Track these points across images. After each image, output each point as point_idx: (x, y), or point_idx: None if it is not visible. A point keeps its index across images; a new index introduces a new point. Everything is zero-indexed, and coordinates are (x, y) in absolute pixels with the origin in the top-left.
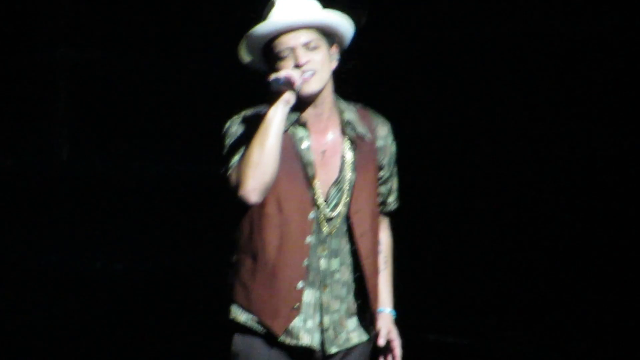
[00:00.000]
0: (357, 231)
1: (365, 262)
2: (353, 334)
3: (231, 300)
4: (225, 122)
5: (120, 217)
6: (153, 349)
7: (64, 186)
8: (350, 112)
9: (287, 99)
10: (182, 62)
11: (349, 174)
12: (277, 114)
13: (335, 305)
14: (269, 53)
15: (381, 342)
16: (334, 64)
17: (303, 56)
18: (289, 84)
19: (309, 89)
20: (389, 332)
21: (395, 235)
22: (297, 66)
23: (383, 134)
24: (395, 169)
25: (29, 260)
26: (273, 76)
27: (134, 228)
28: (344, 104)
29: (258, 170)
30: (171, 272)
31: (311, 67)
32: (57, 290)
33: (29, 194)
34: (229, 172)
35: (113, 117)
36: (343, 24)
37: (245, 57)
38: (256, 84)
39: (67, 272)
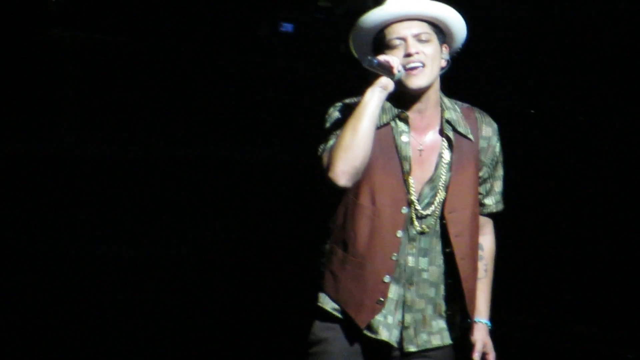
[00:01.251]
0: (452, 231)
1: (461, 264)
2: (435, 335)
3: (319, 288)
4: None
5: (123, 202)
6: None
7: (70, 171)
8: (453, 112)
9: (385, 84)
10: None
11: (444, 173)
12: (373, 99)
13: (420, 304)
14: (379, 43)
15: (476, 356)
16: (443, 63)
17: (414, 46)
18: (386, 69)
19: (416, 83)
20: (484, 346)
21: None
22: (408, 55)
23: (487, 135)
24: (499, 172)
25: (36, 245)
26: (373, 59)
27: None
28: (448, 103)
29: (349, 153)
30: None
31: (421, 58)
32: (63, 275)
33: (32, 178)
34: (322, 154)
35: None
36: (456, 20)
37: (354, 50)
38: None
39: (77, 258)
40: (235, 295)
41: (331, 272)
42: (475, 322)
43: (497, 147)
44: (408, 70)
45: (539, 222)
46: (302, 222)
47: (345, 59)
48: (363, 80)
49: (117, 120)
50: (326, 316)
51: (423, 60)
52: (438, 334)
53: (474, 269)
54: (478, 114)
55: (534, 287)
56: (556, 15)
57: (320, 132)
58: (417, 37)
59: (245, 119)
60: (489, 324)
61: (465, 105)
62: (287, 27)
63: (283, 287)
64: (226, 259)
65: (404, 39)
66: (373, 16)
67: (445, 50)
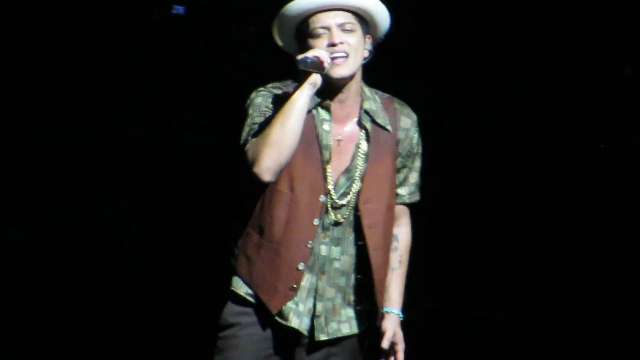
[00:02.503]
0: (366, 222)
1: (373, 255)
2: (344, 324)
3: (233, 271)
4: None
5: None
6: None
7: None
8: (372, 102)
9: (314, 81)
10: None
11: (360, 164)
12: (302, 97)
13: (331, 293)
14: (302, 32)
15: (385, 344)
16: (365, 53)
17: (338, 36)
18: (317, 65)
19: (339, 72)
20: (394, 335)
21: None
22: (332, 45)
23: (405, 126)
24: (415, 163)
25: None
26: (302, 55)
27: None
28: (369, 93)
29: (275, 150)
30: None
31: (344, 48)
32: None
33: None
34: (247, 146)
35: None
36: (381, 11)
37: (278, 37)
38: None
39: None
40: (151, 280)
41: (246, 256)
42: (386, 312)
43: (415, 138)
44: (332, 59)
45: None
46: (202, 207)
47: (237, 41)
48: (254, 62)
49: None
50: (239, 301)
51: (347, 50)
52: (347, 323)
53: (386, 260)
54: (398, 105)
55: (445, 272)
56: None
57: (243, 118)
58: (342, 27)
59: (137, 101)
60: (400, 314)
61: (386, 95)
62: (179, 9)
63: (199, 271)
64: (140, 241)
65: (328, 29)
66: (298, 5)
67: (369, 41)
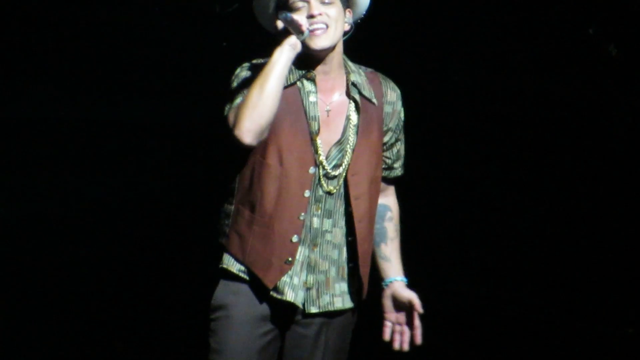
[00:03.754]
0: (353, 193)
1: (358, 226)
2: (337, 298)
3: (225, 250)
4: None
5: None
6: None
7: None
8: (358, 75)
9: (293, 43)
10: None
11: (352, 136)
12: (281, 58)
13: (324, 265)
14: (282, 6)
15: (419, 308)
16: (346, 27)
17: (317, 8)
18: (296, 26)
19: (319, 44)
20: (412, 297)
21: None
22: (311, 16)
23: (391, 100)
24: (402, 136)
25: None
26: (285, 13)
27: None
28: (353, 67)
29: (255, 111)
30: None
31: (324, 19)
32: None
33: None
34: (228, 112)
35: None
36: None
37: (258, 14)
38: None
39: None
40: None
41: (237, 234)
42: (395, 280)
43: (402, 112)
44: (311, 31)
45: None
46: (188, 189)
47: (221, 20)
48: (239, 41)
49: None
50: (231, 279)
51: (326, 22)
52: (340, 297)
53: (370, 232)
54: (382, 79)
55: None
56: None
57: (227, 92)
58: (320, 0)
59: (116, 79)
60: (405, 280)
61: (369, 69)
62: None
63: (187, 252)
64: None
65: (307, 1)
66: None
67: (349, 15)
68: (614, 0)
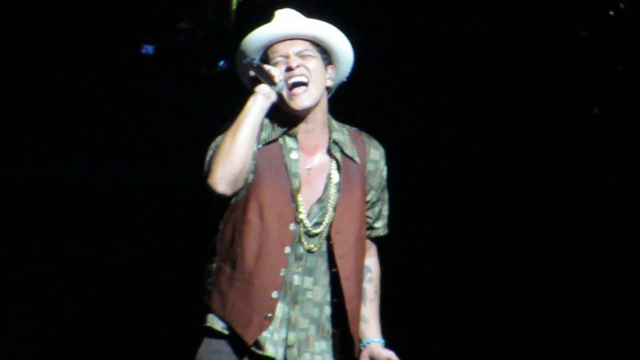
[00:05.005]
0: (338, 252)
1: (345, 284)
2: (318, 357)
3: (208, 308)
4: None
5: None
6: None
7: None
8: (340, 134)
9: (266, 92)
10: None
11: (333, 194)
12: (254, 106)
13: (304, 323)
14: (264, 63)
15: None
16: (328, 83)
17: (295, 61)
18: (267, 76)
19: (301, 104)
20: (390, 355)
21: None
22: (289, 69)
23: (374, 158)
24: (385, 195)
25: None
26: (257, 63)
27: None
28: (336, 125)
29: (227, 160)
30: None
31: (303, 72)
32: None
33: None
34: (205, 162)
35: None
36: (339, 40)
37: (240, 73)
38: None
39: None
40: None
41: (219, 291)
42: (372, 341)
43: (385, 171)
44: (291, 88)
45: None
46: (171, 245)
47: (206, 80)
48: (224, 101)
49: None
50: (214, 336)
51: (305, 74)
52: (320, 356)
53: (358, 291)
54: (365, 138)
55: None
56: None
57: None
58: (299, 54)
59: (106, 140)
60: (383, 341)
61: (353, 128)
62: (148, 49)
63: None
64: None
65: (286, 57)
66: (255, 37)
67: (332, 71)
68: (599, 61)
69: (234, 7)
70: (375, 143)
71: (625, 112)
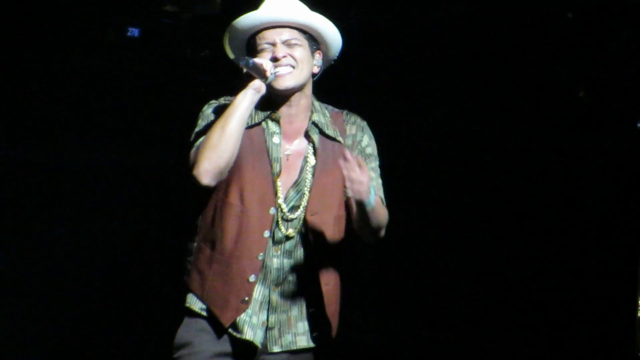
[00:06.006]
0: (313, 233)
1: (322, 266)
2: (301, 337)
3: (187, 288)
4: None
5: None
6: None
7: None
8: (322, 115)
9: (257, 86)
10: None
11: (309, 177)
12: (244, 101)
13: (285, 305)
14: (251, 47)
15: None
16: (315, 69)
17: (281, 51)
18: (259, 71)
19: (284, 84)
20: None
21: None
22: (275, 59)
23: (351, 132)
24: (370, 164)
25: None
26: (247, 59)
27: None
28: (318, 107)
29: (214, 153)
30: None
31: (289, 62)
32: None
33: None
34: (191, 151)
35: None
36: (328, 28)
37: (229, 50)
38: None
39: None
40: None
41: (198, 271)
42: None
43: (364, 140)
44: (277, 74)
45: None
46: (155, 226)
47: (192, 63)
48: (210, 85)
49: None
50: (194, 316)
51: (291, 64)
52: (304, 336)
53: (335, 272)
54: (345, 116)
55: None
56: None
57: (193, 131)
58: (287, 43)
59: (91, 123)
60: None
61: (336, 110)
62: (134, 31)
63: (153, 290)
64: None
65: (273, 44)
66: (244, 22)
67: (319, 57)
68: (588, 44)
69: None
70: (353, 118)
71: (612, 95)
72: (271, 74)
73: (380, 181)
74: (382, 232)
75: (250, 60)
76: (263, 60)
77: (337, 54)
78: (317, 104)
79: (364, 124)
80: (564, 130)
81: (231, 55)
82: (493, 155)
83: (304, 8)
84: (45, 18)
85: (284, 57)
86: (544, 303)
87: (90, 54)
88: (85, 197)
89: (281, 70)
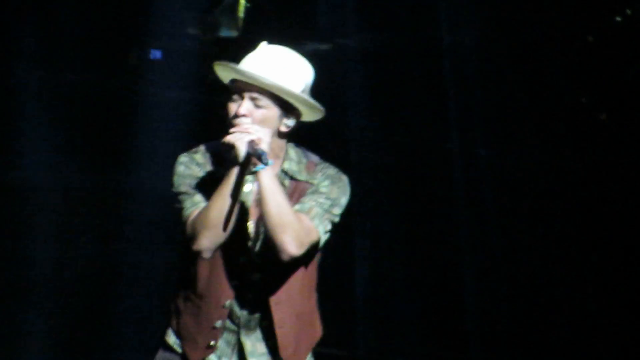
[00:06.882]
0: (284, 277)
1: (275, 308)
2: None
3: (168, 321)
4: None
5: None
6: None
7: None
8: (295, 163)
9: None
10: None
11: None
12: (244, 185)
13: (261, 348)
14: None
15: None
16: (283, 128)
17: (244, 108)
18: (259, 157)
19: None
20: None
21: None
22: (235, 116)
23: (316, 178)
24: (316, 197)
25: None
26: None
27: None
28: (294, 155)
29: (213, 232)
30: None
31: (247, 122)
32: None
33: None
34: (185, 220)
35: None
36: (300, 101)
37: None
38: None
39: None
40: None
41: (176, 307)
42: None
43: (324, 183)
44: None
45: None
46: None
47: (213, 85)
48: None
49: None
50: (168, 350)
51: (248, 123)
52: None
53: (291, 320)
54: (319, 165)
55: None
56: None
57: (172, 187)
58: (254, 101)
59: (113, 145)
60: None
61: (317, 159)
62: (156, 54)
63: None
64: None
65: (241, 97)
66: (221, 68)
67: (292, 119)
68: (607, 67)
69: (241, 13)
70: (326, 168)
71: (633, 117)
72: (267, 160)
73: (319, 210)
74: (287, 239)
75: (258, 150)
76: (263, 150)
77: (318, 115)
78: (292, 152)
79: (338, 175)
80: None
81: (225, 81)
82: (517, 176)
83: (280, 78)
84: (68, 39)
85: (244, 115)
86: None
87: (111, 75)
88: (100, 219)
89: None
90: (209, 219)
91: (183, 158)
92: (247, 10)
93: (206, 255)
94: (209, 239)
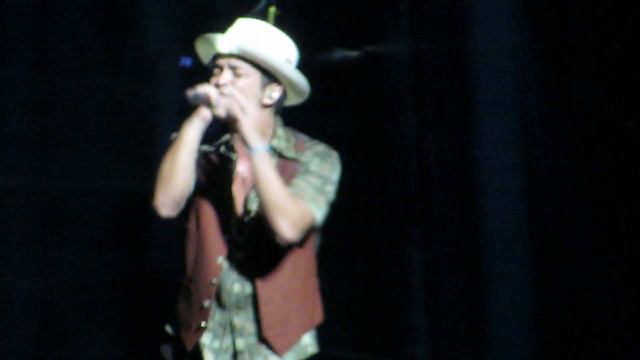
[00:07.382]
0: (270, 255)
1: (260, 285)
2: (273, 357)
3: (166, 315)
4: None
5: None
6: None
7: None
8: (283, 141)
9: (203, 115)
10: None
11: (256, 199)
12: (191, 131)
13: (251, 328)
14: (210, 65)
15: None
16: (266, 101)
17: (225, 77)
18: (206, 100)
19: (216, 112)
20: None
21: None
22: (217, 85)
23: (305, 156)
24: (307, 177)
25: None
26: (192, 92)
27: None
28: (282, 133)
29: (167, 185)
30: None
31: (229, 90)
32: None
33: None
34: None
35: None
36: (279, 64)
37: (202, 57)
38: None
39: None
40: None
41: (175, 295)
42: None
43: (314, 160)
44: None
45: None
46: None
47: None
48: None
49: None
50: (169, 339)
51: (231, 92)
52: (274, 356)
53: (276, 297)
54: (308, 143)
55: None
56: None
57: None
58: (234, 71)
59: (144, 151)
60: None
61: (306, 138)
62: (186, 61)
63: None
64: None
65: (222, 69)
66: (201, 44)
67: (276, 90)
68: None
69: (271, 20)
70: (316, 146)
71: None
72: (216, 101)
73: (312, 193)
74: (283, 223)
75: (199, 95)
76: (208, 88)
77: (302, 90)
78: (281, 131)
79: (328, 151)
80: None
81: (205, 61)
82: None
83: (267, 39)
84: (97, 48)
85: (225, 84)
86: None
87: (141, 83)
88: (130, 225)
89: (223, 97)
90: (162, 173)
91: (175, 133)
92: (277, 18)
93: (164, 212)
94: (163, 193)
